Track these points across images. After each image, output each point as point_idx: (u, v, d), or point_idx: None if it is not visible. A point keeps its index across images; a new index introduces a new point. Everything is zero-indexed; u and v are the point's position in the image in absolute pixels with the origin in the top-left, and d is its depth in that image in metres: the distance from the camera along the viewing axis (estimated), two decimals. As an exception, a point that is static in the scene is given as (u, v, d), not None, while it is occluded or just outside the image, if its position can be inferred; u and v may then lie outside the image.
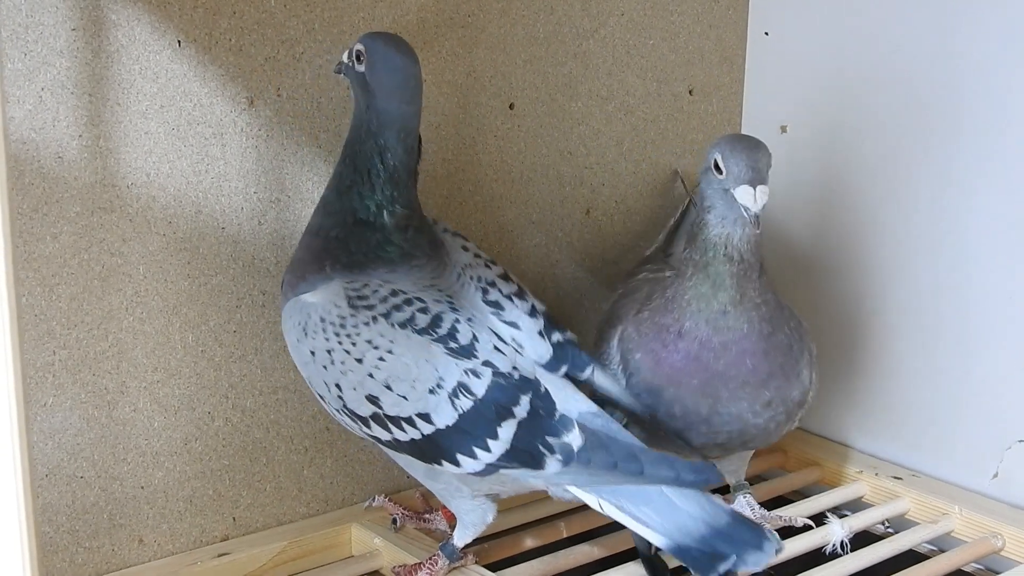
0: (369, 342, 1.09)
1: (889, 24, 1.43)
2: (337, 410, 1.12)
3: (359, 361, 1.09)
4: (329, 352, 1.09)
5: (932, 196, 1.40)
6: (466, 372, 1.09)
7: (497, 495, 1.16)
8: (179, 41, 1.14)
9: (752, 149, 1.12)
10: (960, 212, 1.38)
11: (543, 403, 1.09)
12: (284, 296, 1.14)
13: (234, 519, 1.26)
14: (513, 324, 1.15)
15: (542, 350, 1.15)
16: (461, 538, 1.18)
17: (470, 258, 1.20)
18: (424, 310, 1.10)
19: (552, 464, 1.08)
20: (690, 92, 1.55)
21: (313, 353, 1.10)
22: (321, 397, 1.13)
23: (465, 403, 1.08)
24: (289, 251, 1.23)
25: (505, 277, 1.19)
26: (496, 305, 1.16)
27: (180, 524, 1.23)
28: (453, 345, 1.09)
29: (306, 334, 1.10)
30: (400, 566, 1.20)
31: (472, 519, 1.17)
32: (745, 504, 1.29)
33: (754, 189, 1.09)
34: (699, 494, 1.10)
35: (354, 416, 1.11)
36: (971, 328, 1.39)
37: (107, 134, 1.12)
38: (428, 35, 1.30)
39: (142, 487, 1.19)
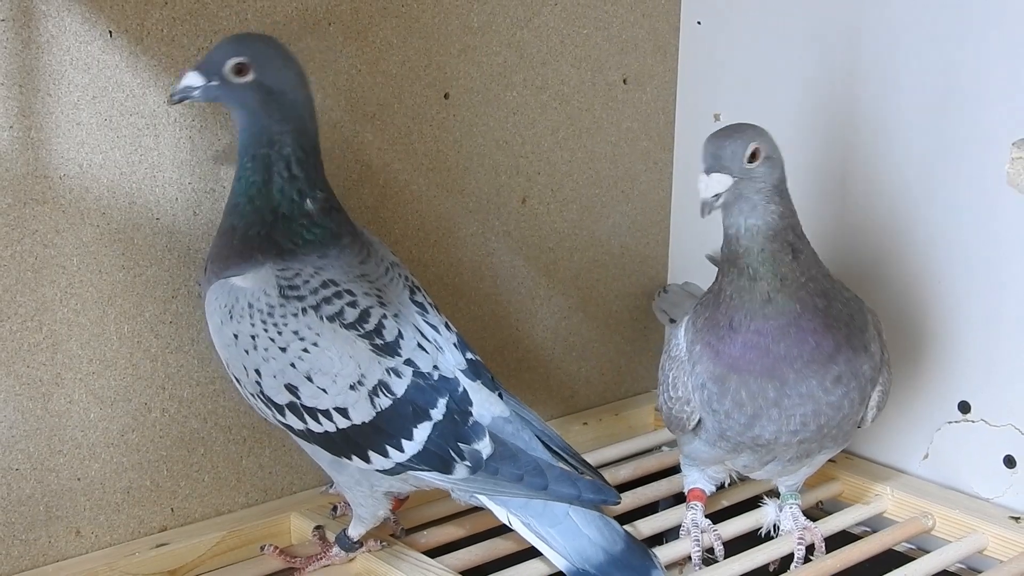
0: (295, 333, 1.09)
1: (819, 11, 1.45)
2: (252, 394, 1.12)
3: (283, 350, 1.09)
4: (253, 338, 1.10)
5: (863, 188, 1.43)
6: (388, 371, 1.10)
7: (398, 493, 1.18)
8: (110, 32, 1.14)
9: (723, 136, 1.11)
10: (895, 199, 1.41)
11: (459, 405, 1.11)
12: (207, 280, 1.14)
13: (172, 510, 1.26)
14: (435, 327, 1.16)
15: (459, 360, 1.15)
16: (355, 530, 1.19)
17: (396, 259, 1.21)
18: (353, 304, 1.11)
19: (460, 470, 1.10)
20: (624, 81, 1.56)
21: (236, 336, 1.11)
22: (237, 380, 1.13)
23: (384, 401, 1.09)
24: (224, 241, 1.23)
25: (422, 289, 1.20)
26: (422, 307, 1.17)
27: (118, 515, 1.22)
28: (378, 342, 1.10)
29: (231, 317, 1.11)
30: (296, 558, 1.21)
31: (366, 513, 1.18)
32: (789, 515, 1.29)
33: (707, 176, 1.09)
34: (599, 517, 1.13)
35: (269, 402, 1.11)
36: (898, 313, 1.41)
37: (38, 125, 1.11)
38: (362, 24, 1.30)
39: (78, 479, 1.19)
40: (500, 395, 1.15)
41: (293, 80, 1.12)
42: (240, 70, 1.10)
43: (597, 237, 1.57)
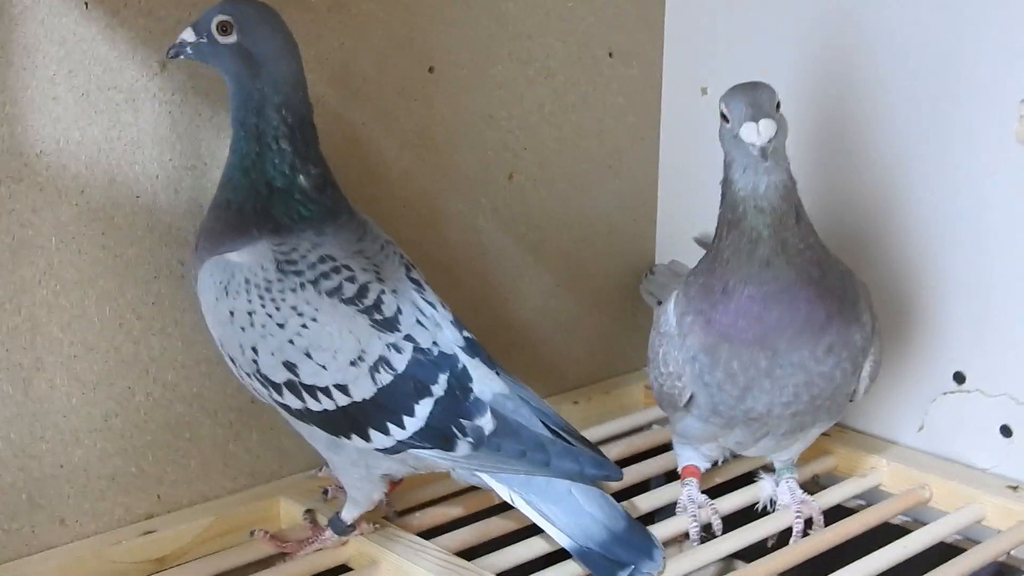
0: (294, 308, 1.07)
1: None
2: (248, 373, 1.09)
3: (281, 326, 1.06)
4: (250, 314, 1.07)
5: (853, 159, 1.41)
6: (388, 346, 1.07)
7: (393, 475, 1.15)
8: (86, 3, 1.11)
9: (750, 89, 1.09)
10: (886, 170, 1.39)
11: (460, 381, 1.09)
12: (199, 258, 1.11)
13: (159, 496, 1.23)
14: (432, 305, 1.14)
15: (457, 338, 1.13)
16: (349, 513, 1.16)
17: (389, 238, 1.18)
18: (352, 279, 1.09)
19: (462, 447, 1.08)
20: (610, 55, 1.53)
21: (232, 313, 1.08)
22: (232, 359, 1.10)
23: (385, 377, 1.07)
24: (207, 219, 1.20)
25: (416, 267, 1.18)
26: (418, 284, 1.15)
27: (102, 503, 1.19)
28: (378, 317, 1.08)
29: (227, 294, 1.08)
30: (288, 542, 1.18)
31: (361, 496, 1.15)
32: (787, 489, 1.28)
33: (756, 123, 1.06)
34: (601, 495, 1.11)
35: (266, 381, 1.08)
36: (891, 284, 1.39)
37: (13, 100, 1.08)
38: (345, -4, 1.28)
39: (61, 466, 1.16)
40: (497, 373, 1.13)
41: (278, 48, 1.09)
42: (224, 29, 1.07)
43: (585, 214, 1.55)
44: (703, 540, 1.23)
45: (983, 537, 1.28)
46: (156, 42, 1.15)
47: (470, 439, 1.08)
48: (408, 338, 1.08)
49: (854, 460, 1.39)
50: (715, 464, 1.31)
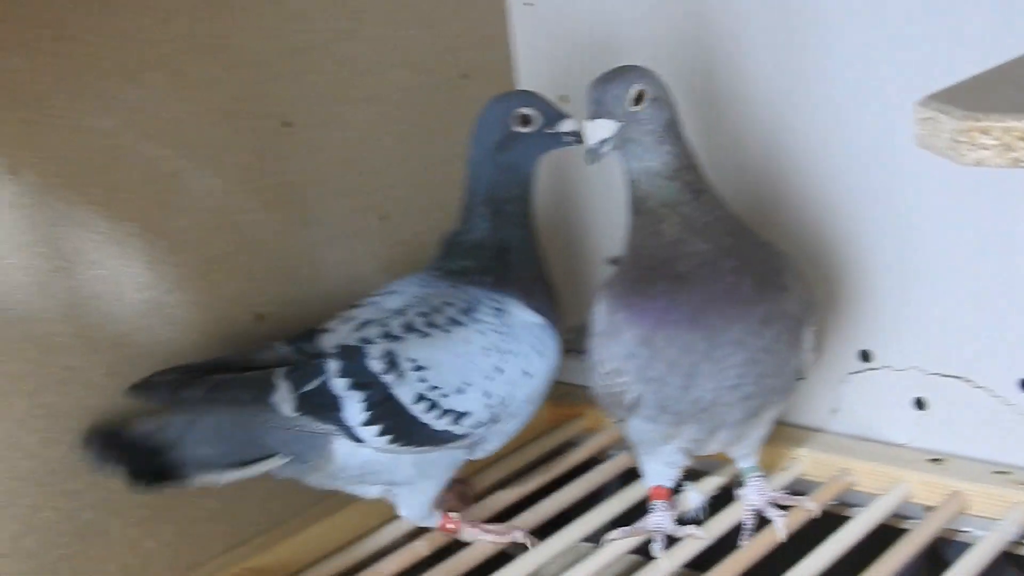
0: None
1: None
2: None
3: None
4: None
5: (721, 158, 1.41)
6: None
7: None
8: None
9: (604, 80, 1.10)
10: (750, 168, 1.39)
11: None
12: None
13: (82, 609, 1.18)
14: None
15: None
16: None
17: None
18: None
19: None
20: (463, 77, 1.52)
21: None
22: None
23: None
24: (85, 319, 1.17)
25: None
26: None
27: (25, 628, 1.15)
28: None
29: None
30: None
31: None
32: (755, 489, 1.26)
33: (591, 123, 1.08)
34: None
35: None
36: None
37: None
38: (184, 64, 1.24)
39: (-24, 600, 1.11)
40: None
41: None
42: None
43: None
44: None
45: (911, 513, 1.29)
46: (2, 148, 1.10)
47: None
48: None
49: (774, 454, 1.37)
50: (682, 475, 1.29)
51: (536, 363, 1.20)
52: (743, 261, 1.11)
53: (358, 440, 1.16)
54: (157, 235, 1.22)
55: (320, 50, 1.36)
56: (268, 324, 1.32)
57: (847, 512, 1.30)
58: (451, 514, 1.27)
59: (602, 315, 1.18)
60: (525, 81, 1.58)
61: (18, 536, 1.14)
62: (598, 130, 1.08)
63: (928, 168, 1.25)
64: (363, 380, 1.15)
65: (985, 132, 0.73)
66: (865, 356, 1.38)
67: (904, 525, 1.27)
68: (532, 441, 1.50)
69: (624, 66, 1.12)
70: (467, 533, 1.27)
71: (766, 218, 1.37)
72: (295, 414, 1.14)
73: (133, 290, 1.21)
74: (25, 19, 1.11)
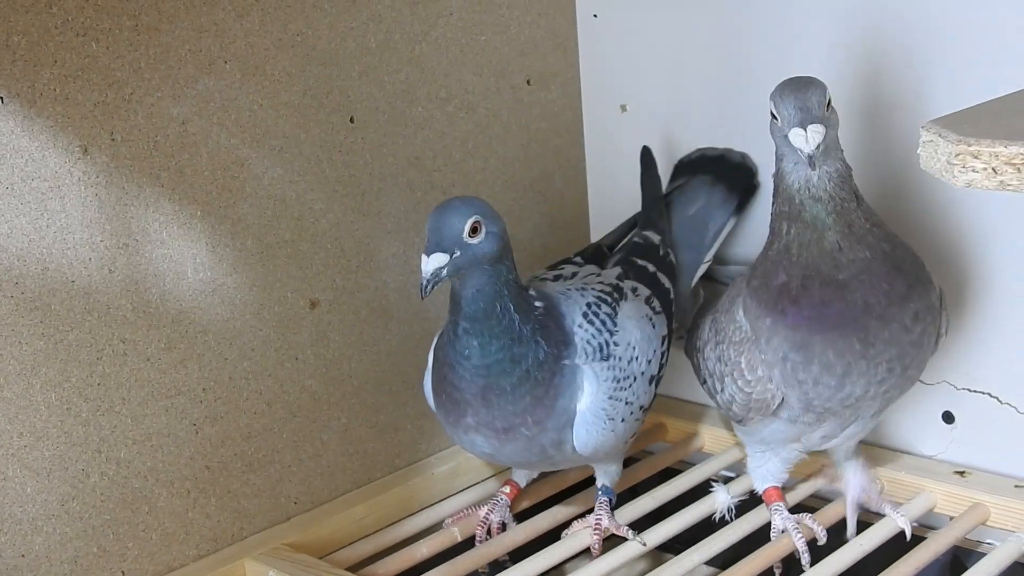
0: None
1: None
2: None
3: None
4: None
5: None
6: None
7: None
8: (2, 98, 1.11)
9: (800, 89, 1.09)
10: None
11: None
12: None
13: (123, 573, 1.23)
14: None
15: None
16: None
17: None
18: None
19: None
20: (528, 82, 1.55)
21: None
22: None
23: None
24: (145, 295, 1.21)
25: None
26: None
27: (68, 587, 1.20)
28: None
29: None
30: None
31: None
32: (860, 478, 1.31)
33: (804, 130, 1.07)
34: None
35: None
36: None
37: (-62, 202, 1.09)
38: (258, 59, 1.28)
39: (22, 555, 1.16)
40: None
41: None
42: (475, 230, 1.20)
43: (519, 240, 1.56)
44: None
45: (935, 523, 1.31)
46: (75, 127, 1.15)
47: None
48: None
49: (805, 463, 1.37)
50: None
51: None
52: (898, 263, 1.13)
53: None
54: (220, 219, 1.27)
55: (391, 51, 1.40)
56: (321, 310, 1.37)
57: (872, 519, 1.32)
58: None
59: (743, 322, 1.20)
60: (587, 89, 1.61)
61: (67, 499, 1.19)
62: (816, 134, 1.07)
63: (956, 192, 1.27)
64: None
65: (975, 156, 0.77)
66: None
67: (926, 534, 1.29)
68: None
69: (805, 78, 1.11)
70: None
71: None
72: None
73: (193, 270, 1.26)
74: (105, 8, 1.17)
